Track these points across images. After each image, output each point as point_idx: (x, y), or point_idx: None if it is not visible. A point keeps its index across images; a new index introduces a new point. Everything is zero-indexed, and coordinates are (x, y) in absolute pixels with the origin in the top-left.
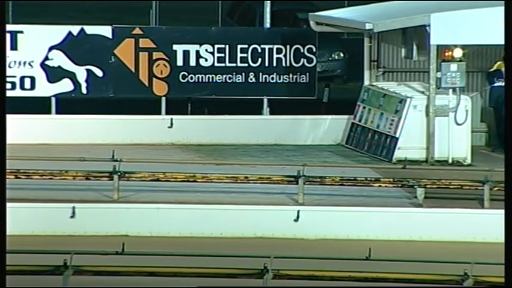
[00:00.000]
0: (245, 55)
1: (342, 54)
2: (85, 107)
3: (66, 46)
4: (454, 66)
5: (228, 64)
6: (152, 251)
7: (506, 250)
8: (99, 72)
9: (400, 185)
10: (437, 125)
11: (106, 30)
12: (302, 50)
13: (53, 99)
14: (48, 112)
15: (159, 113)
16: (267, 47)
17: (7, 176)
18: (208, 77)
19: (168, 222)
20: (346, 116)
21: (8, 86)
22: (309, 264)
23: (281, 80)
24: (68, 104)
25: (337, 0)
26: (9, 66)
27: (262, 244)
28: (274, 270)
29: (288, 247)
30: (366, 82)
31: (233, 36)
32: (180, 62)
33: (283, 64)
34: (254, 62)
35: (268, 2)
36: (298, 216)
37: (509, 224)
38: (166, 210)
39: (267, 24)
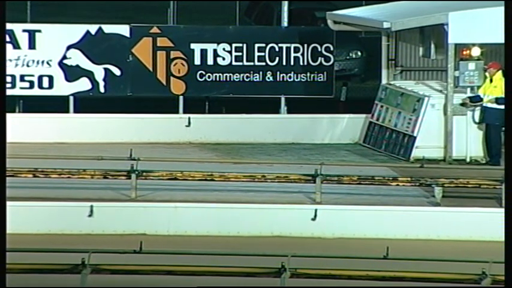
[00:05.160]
0: (263, 54)
1: (359, 53)
2: (103, 105)
3: (84, 45)
4: (472, 65)
5: (245, 63)
6: (170, 249)
7: (506, 250)
8: (117, 71)
9: (417, 184)
10: (455, 123)
11: (124, 29)
12: (320, 49)
13: (71, 98)
14: (66, 111)
15: (177, 112)
16: (284, 45)
17: (25, 175)
18: (226, 76)
19: (186, 221)
20: (363, 115)
21: (26, 85)
22: (326, 263)
23: (298, 79)
24: (85, 103)
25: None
26: (28, 65)
27: (280, 243)
28: (292, 269)
29: (306, 246)
30: (384, 81)
31: (251, 35)
32: (197, 61)
33: (301, 63)
34: (272, 61)
35: (286, 1)
36: (315, 215)
37: (509, 224)
38: (184, 209)
39: (285, 23)
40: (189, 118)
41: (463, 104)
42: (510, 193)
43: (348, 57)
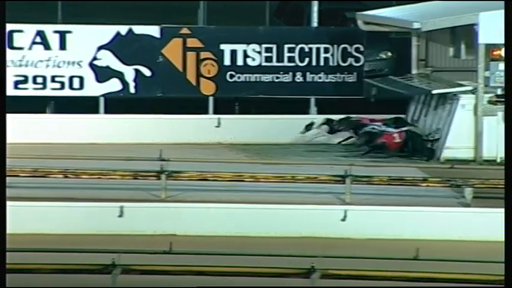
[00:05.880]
0: (292, 54)
1: (389, 54)
2: (133, 106)
3: (115, 46)
4: (502, 65)
5: (275, 63)
6: (200, 250)
7: (506, 250)
8: (147, 72)
9: (448, 185)
10: (486, 124)
11: (154, 30)
12: (349, 49)
13: (101, 99)
14: (96, 112)
15: (207, 113)
16: (314, 46)
17: (55, 176)
18: (256, 77)
19: (216, 222)
20: (393, 116)
21: (57, 85)
22: (356, 264)
23: (328, 80)
24: (115, 104)
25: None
26: (58, 66)
27: (310, 244)
28: (322, 270)
29: (335, 247)
30: None
31: (280, 36)
32: (227, 62)
33: (331, 63)
34: (301, 62)
35: (316, 1)
36: (345, 216)
37: (509, 224)
38: (215, 210)
39: (315, 24)
40: (218, 119)
41: (491, 102)
42: (510, 193)
43: (378, 58)
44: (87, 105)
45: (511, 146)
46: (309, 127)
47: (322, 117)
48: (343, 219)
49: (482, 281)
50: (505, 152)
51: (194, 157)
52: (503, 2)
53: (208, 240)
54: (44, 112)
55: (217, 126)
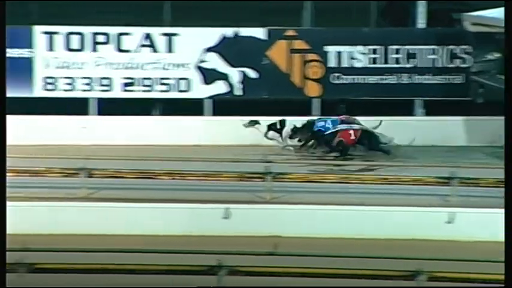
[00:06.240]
0: (398, 56)
1: (497, 54)
2: (238, 108)
3: (221, 48)
4: None
5: (381, 65)
6: (304, 252)
7: (506, 250)
8: (252, 74)
9: None
10: None
11: (260, 32)
12: (456, 51)
13: (206, 101)
14: (201, 113)
15: (310, 114)
16: (420, 47)
17: (163, 177)
18: (361, 78)
19: (321, 224)
20: (501, 117)
21: (165, 88)
22: (462, 267)
23: (435, 81)
24: (220, 105)
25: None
26: (165, 69)
27: (415, 246)
28: (428, 273)
29: (441, 249)
30: None
31: (386, 37)
32: (332, 63)
33: (437, 65)
34: (407, 63)
35: (422, 2)
36: (451, 218)
37: (509, 224)
38: (320, 212)
39: (421, 25)
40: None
41: None
42: (510, 193)
43: (485, 59)
44: (194, 108)
45: (511, 146)
46: (252, 124)
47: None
48: (449, 222)
49: None
50: (505, 152)
51: (300, 160)
52: None
53: (312, 241)
54: (149, 114)
55: None
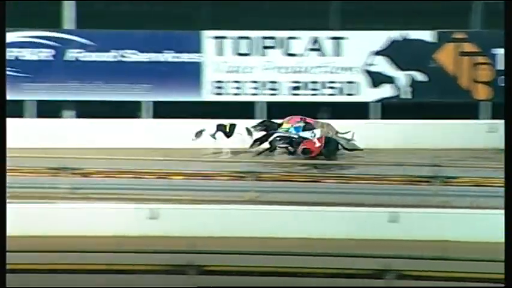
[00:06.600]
0: None
1: None
2: (405, 111)
3: (389, 51)
4: None
5: None
6: (476, 256)
7: (506, 250)
8: (420, 77)
9: None
10: None
11: (427, 35)
12: None
13: (372, 105)
14: (366, 117)
15: (476, 118)
16: None
17: (327, 181)
18: None
19: (486, 228)
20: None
21: (332, 91)
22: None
23: None
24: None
25: None
26: (332, 72)
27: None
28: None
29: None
30: None
31: None
32: (501, 66)
33: None
34: None
35: None
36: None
37: (509, 224)
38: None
39: None
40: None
41: None
42: (510, 193)
43: None
44: (359, 111)
45: (511, 146)
46: (198, 134)
47: None
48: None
49: None
50: (505, 152)
51: (466, 163)
52: None
53: (480, 246)
54: (314, 117)
55: (491, 132)
